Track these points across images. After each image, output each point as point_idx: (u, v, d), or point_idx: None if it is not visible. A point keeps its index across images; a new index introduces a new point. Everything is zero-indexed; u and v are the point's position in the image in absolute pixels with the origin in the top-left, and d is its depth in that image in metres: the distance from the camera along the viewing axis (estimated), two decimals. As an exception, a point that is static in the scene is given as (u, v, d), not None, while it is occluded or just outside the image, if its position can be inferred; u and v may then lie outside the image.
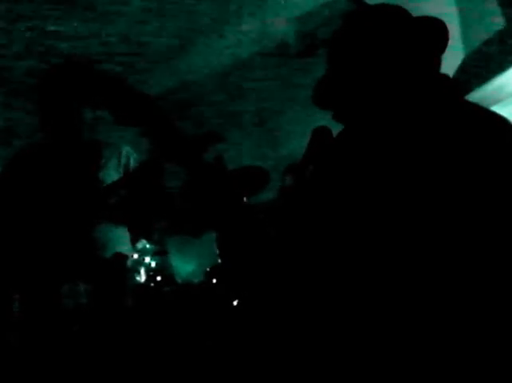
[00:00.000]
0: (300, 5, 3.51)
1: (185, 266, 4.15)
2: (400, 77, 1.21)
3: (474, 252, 1.02)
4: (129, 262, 2.60)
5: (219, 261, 3.39)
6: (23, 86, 3.43)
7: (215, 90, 3.88)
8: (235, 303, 2.86)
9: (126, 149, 2.50)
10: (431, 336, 1.01)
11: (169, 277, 4.10)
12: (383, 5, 1.29)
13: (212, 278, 3.59)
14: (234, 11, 3.48)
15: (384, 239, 1.05)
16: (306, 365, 1.09)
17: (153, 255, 4.17)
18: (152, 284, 4.00)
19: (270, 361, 1.14)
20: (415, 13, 1.30)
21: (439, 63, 1.27)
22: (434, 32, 1.26)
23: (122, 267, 2.46)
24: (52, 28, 3.45)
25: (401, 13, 1.27)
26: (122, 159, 2.47)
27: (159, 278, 4.04)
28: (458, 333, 1.00)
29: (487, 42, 3.45)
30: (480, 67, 3.49)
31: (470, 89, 3.33)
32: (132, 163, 2.47)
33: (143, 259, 4.11)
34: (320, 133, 1.36)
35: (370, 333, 1.03)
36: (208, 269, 3.69)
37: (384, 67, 1.22)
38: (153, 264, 4.14)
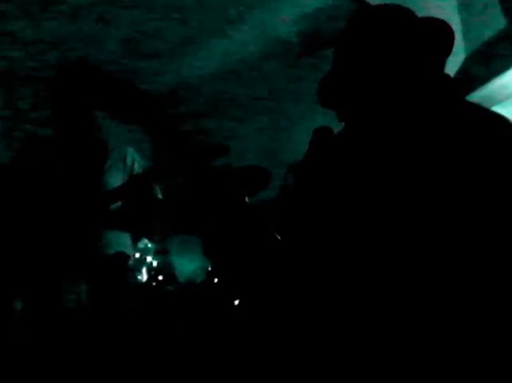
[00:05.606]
0: (303, 4, 3.51)
1: (187, 266, 4.14)
2: (404, 78, 1.22)
3: (474, 252, 1.03)
4: (131, 262, 2.61)
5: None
6: (28, 87, 3.44)
7: (217, 90, 3.89)
8: (237, 303, 2.87)
9: (131, 153, 2.52)
10: (430, 335, 1.01)
11: (171, 276, 4.10)
12: (388, 6, 1.29)
13: (214, 278, 3.60)
14: (237, 11, 3.48)
15: (384, 239, 1.05)
16: (306, 365, 1.09)
17: (155, 254, 4.17)
18: (154, 283, 4.01)
19: (271, 360, 1.15)
20: (415, 13, 1.31)
21: (442, 64, 1.27)
22: (439, 34, 1.26)
23: (123, 266, 2.47)
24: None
25: (406, 14, 1.28)
26: (127, 162, 2.49)
27: (160, 278, 4.05)
28: (457, 332, 1.01)
29: (488, 42, 3.44)
30: (481, 67, 3.49)
31: (471, 90, 3.33)
32: (137, 167, 2.49)
33: (145, 258, 4.11)
34: (322, 133, 1.37)
35: (369, 332, 1.04)
36: (210, 268, 3.70)
37: (387, 68, 1.22)
38: (155, 263, 4.14)
